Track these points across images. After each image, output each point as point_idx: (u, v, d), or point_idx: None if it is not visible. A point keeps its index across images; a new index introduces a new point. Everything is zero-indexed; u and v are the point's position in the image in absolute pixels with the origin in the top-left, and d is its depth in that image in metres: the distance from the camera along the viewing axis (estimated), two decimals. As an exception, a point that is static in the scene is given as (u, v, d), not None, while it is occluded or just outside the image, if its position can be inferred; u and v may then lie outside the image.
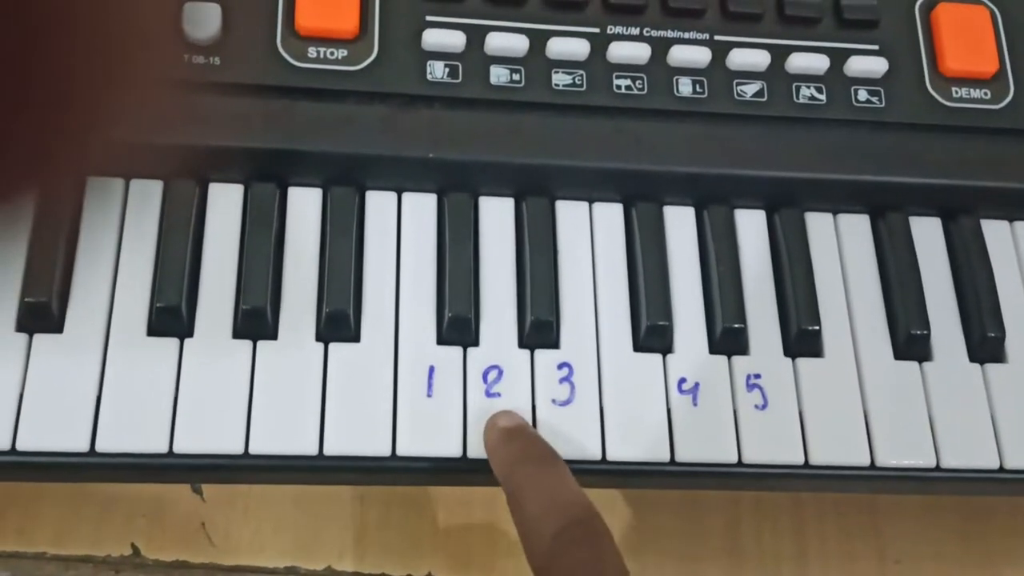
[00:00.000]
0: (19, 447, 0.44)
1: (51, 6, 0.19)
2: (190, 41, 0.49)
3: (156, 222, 0.49)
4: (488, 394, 0.48)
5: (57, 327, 0.46)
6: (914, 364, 0.50)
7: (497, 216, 0.51)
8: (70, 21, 0.20)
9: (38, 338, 0.46)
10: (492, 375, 0.48)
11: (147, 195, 0.49)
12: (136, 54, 0.21)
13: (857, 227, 0.53)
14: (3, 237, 0.45)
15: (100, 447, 0.44)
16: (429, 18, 0.51)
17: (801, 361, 0.50)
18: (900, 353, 0.51)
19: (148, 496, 0.51)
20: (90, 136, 0.22)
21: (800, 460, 0.48)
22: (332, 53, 0.50)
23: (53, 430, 0.44)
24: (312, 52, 0.50)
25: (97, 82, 0.21)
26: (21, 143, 0.20)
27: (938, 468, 0.49)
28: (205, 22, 0.49)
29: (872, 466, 0.48)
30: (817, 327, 0.50)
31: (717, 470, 0.48)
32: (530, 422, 0.47)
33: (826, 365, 0.50)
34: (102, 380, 0.45)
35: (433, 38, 0.51)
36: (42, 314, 0.46)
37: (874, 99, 0.53)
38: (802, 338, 0.50)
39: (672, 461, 0.47)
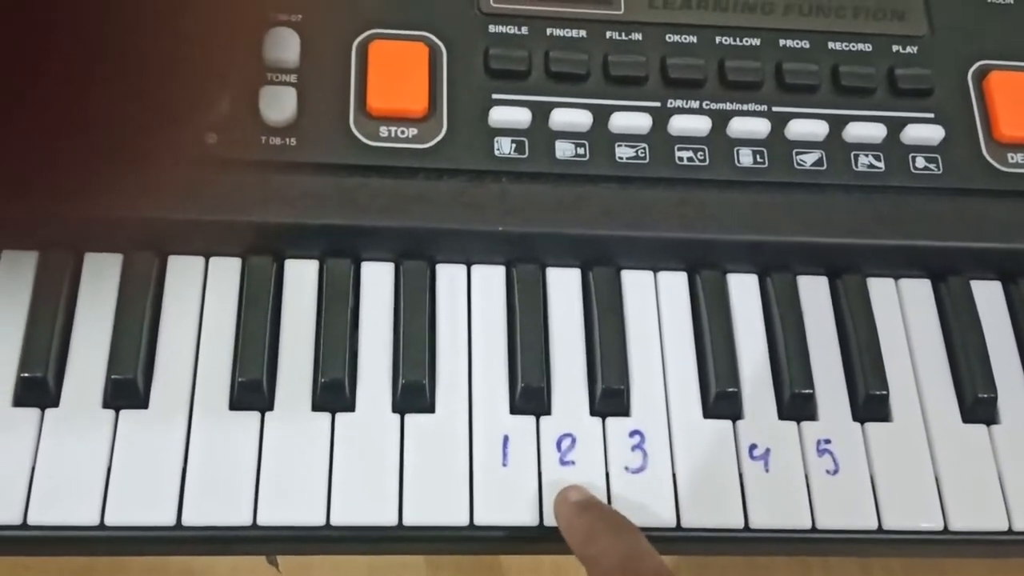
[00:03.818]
0: (107, 522, 0.45)
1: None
2: (267, 123, 0.51)
3: (235, 298, 0.50)
4: (562, 463, 0.48)
5: (142, 403, 0.47)
6: (982, 427, 0.51)
7: (564, 286, 0.52)
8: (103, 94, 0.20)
9: (124, 414, 0.47)
10: (565, 443, 0.49)
11: (226, 272, 0.51)
12: (155, 133, 0.22)
13: (919, 292, 0.54)
14: None
15: (186, 521, 0.45)
16: (495, 96, 0.53)
17: (870, 426, 0.50)
18: (968, 416, 0.51)
19: (225, 567, 0.52)
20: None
21: (874, 525, 0.48)
22: (403, 132, 0.52)
23: (140, 505, 0.45)
24: (384, 131, 0.52)
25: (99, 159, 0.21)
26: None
27: (1010, 531, 0.49)
28: (281, 105, 0.51)
29: (945, 530, 0.49)
30: (885, 392, 0.50)
31: (791, 536, 0.48)
32: (604, 490, 0.48)
33: (895, 429, 0.50)
34: (187, 456, 0.47)
35: (500, 115, 0.52)
36: (128, 391, 0.47)
37: (931, 166, 0.54)
38: (870, 403, 0.50)
39: (746, 527, 0.48)
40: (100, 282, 0.50)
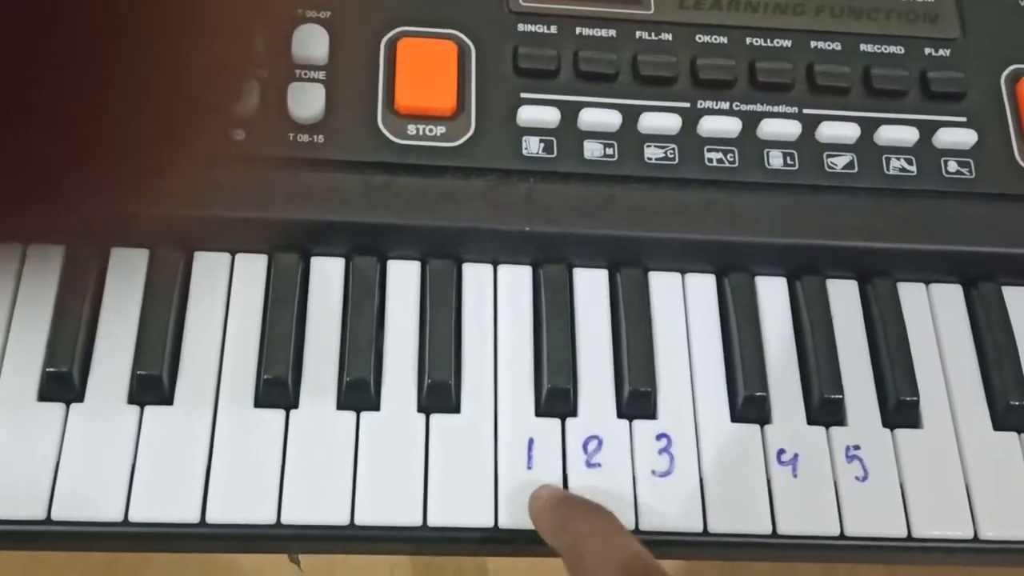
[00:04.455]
0: (131, 519, 0.45)
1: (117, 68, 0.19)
2: (295, 120, 0.50)
3: (261, 295, 0.50)
4: (588, 464, 0.48)
5: (167, 399, 0.47)
6: (1013, 435, 0.50)
7: (592, 287, 0.52)
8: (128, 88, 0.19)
9: (149, 410, 0.47)
10: (592, 445, 0.48)
11: (252, 269, 0.51)
12: (182, 130, 0.21)
13: (950, 297, 0.53)
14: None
15: (210, 518, 0.45)
16: (524, 95, 0.53)
17: (900, 432, 0.50)
18: (999, 423, 0.50)
19: (248, 564, 0.52)
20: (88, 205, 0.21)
21: (903, 533, 0.47)
22: (431, 130, 0.51)
23: (164, 502, 0.45)
24: (411, 129, 0.51)
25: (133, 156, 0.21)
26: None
27: (1042, 540, 0.48)
28: (309, 102, 0.50)
29: (975, 539, 0.48)
30: (915, 398, 0.50)
31: (819, 542, 0.47)
32: (631, 493, 0.47)
33: (925, 436, 0.50)
34: (211, 453, 0.46)
35: (528, 114, 0.52)
36: (153, 387, 0.47)
37: (964, 170, 0.53)
38: (900, 409, 0.50)
39: (774, 533, 0.47)
40: (126, 278, 0.49)
